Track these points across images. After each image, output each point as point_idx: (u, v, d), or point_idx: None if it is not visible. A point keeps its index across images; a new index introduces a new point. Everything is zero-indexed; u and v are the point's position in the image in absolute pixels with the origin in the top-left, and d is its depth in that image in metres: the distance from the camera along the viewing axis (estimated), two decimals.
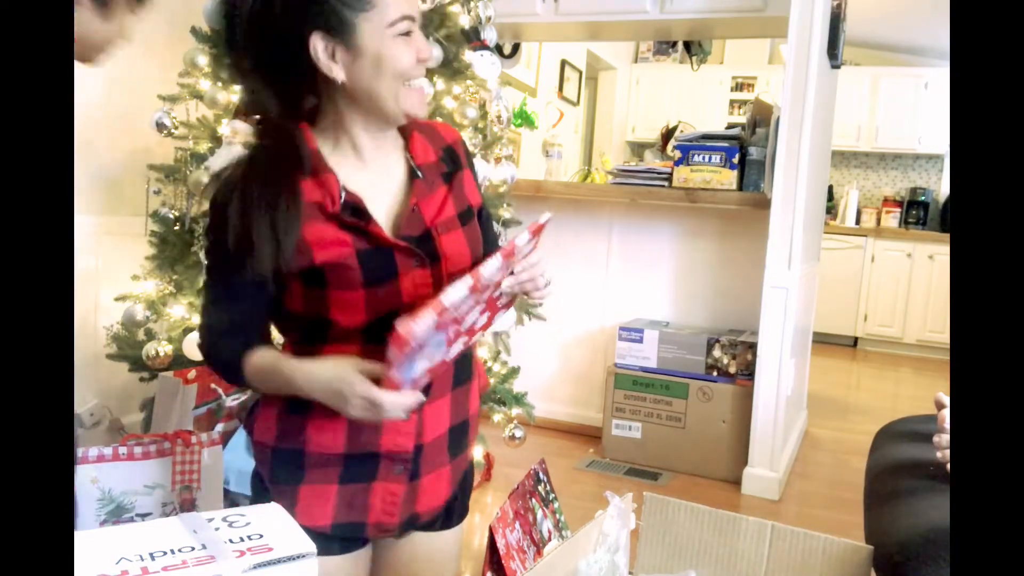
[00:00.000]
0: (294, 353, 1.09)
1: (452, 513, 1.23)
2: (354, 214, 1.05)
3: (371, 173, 1.10)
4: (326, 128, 1.10)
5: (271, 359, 1.07)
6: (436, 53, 2.07)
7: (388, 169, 1.13)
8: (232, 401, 2.10)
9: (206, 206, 2.10)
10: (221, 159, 1.98)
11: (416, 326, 0.93)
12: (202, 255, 2.06)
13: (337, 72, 1.03)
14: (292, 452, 1.10)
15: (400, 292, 1.06)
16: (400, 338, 0.93)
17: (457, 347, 1.06)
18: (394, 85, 1.04)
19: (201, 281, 2.10)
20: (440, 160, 1.16)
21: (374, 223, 1.06)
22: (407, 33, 1.04)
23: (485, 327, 1.10)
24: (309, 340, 1.09)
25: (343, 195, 1.05)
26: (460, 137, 1.22)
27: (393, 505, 1.12)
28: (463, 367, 1.18)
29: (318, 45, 1.01)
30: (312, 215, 1.04)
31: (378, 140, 1.11)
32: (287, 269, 1.04)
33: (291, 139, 1.06)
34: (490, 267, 0.97)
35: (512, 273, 1.05)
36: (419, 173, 1.12)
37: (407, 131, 1.15)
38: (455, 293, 0.95)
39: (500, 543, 1.35)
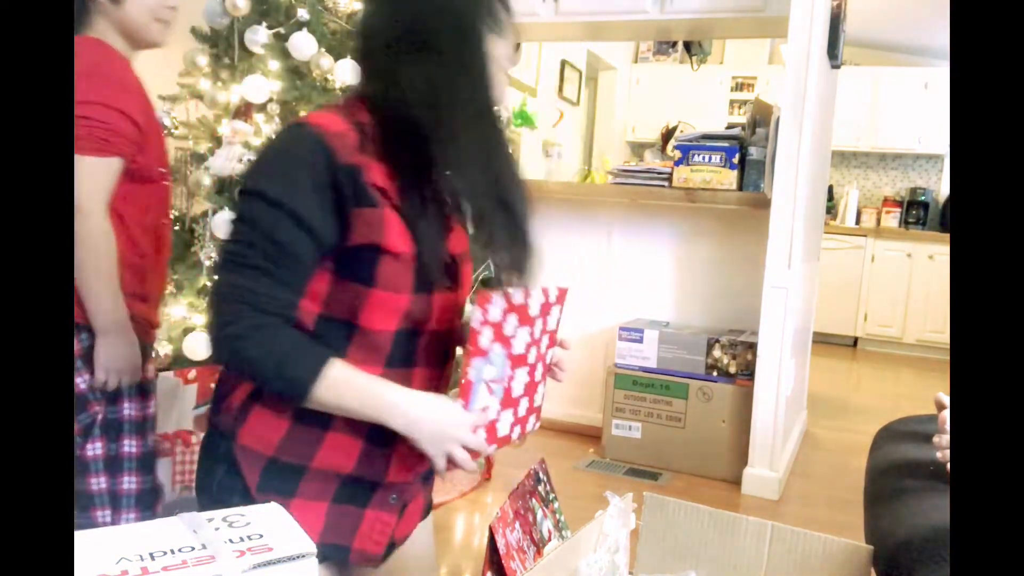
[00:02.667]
0: None
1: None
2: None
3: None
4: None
5: (358, 375, 0.97)
6: None
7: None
8: None
9: (206, 206, 2.11)
10: (221, 159, 1.98)
11: (495, 295, 0.94)
12: (202, 255, 2.06)
13: (458, 72, 1.01)
14: (292, 466, 1.03)
15: (431, 308, 1.03)
16: (484, 298, 0.91)
17: (517, 387, 1.06)
18: (498, 86, 1.06)
19: (202, 281, 2.10)
20: None
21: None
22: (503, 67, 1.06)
23: (534, 389, 1.13)
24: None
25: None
26: None
27: (382, 535, 1.10)
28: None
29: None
30: (383, 200, 0.99)
31: None
32: (342, 246, 0.97)
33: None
34: (535, 296, 1.02)
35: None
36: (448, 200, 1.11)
37: None
38: (514, 292, 0.98)
39: (500, 543, 1.35)
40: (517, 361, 1.04)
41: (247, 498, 1.03)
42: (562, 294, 1.10)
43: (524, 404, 1.11)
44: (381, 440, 1.03)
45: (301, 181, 0.95)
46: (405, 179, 1.01)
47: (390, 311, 1.00)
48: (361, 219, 0.97)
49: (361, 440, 1.02)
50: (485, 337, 0.96)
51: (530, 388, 1.10)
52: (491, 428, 1.04)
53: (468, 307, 1.01)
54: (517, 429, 1.11)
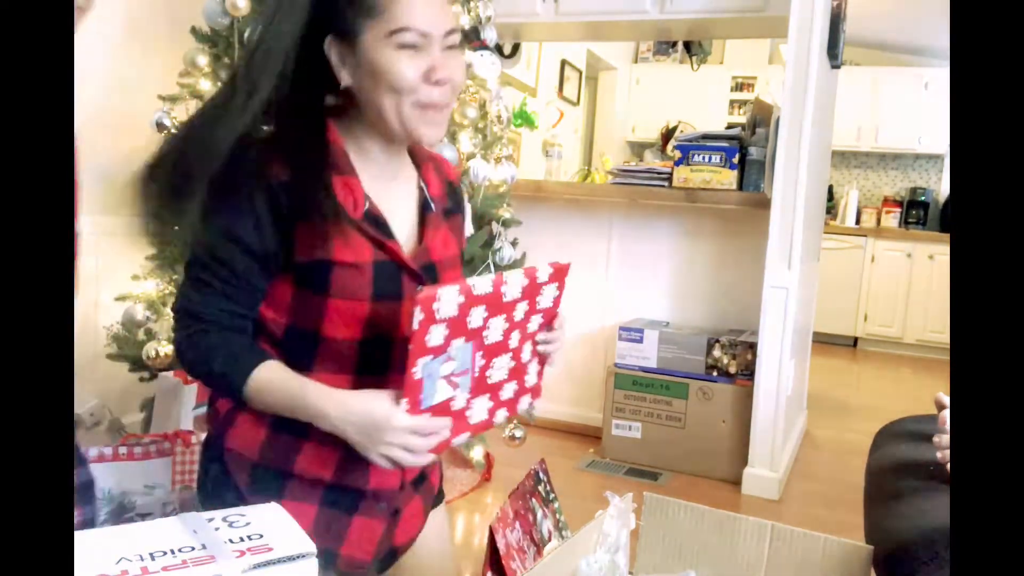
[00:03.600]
0: None
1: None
2: (374, 225, 1.02)
3: (388, 190, 1.07)
4: (345, 132, 1.05)
5: (288, 377, 0.98)
6: None
7: (402, 192, 1.10)
8: None
9: None
10: None
11: (443, 290, 0.89)
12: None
13: (344, 77, 1.01)
14: (276, 471, 1.04)
15: (399, 315, 1.02)
16: (427, 297, 0.87)
17: (496, 373, 1.04)
18: (394, 100, 0.98)
19: None
20: (445, 195, 1.16)
21: (394, 240, 1.03)
22: (413, 46, 0.97)
23: (523, 371, 1.10)
24: (293, 361, 1.01)
25: (367, 203, 1.02)
26: (459, 175, 1.22)
27: (370, 543, 1.09)
28: None
29: (331, 48, 1.00)
30: (330, 211, 0.99)
31: (392, 160, 1.08)
32: (291, 261, 0.99)
33: (317, 130, 1.02)
34: (513, 281, 0.98)
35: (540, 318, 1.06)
36: (432, 205, 1.11)
37: (420, 159, 1.14)
38: (479, 282, 0.94)
39: (500, 543, 1.35)
40: (493, 350, 1.02)
41: (240, 499, 1.03)
42: (558, 272, 1.05)
43: (510, 387, 1.08)
44: None
45: (238, 201, 0.99)
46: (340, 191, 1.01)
47: (350, 320, 1.00)
48: (307, 232, 0.98)
49: (339, 448, 1.01)
50: (436, 336, 0.93)
51: (517, 371, 1.08)
52: (460, 416, 1.02)
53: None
54: (502, 412, 1.09)
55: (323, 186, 0.99)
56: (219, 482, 1.07)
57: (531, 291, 1.03)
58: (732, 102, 6.58)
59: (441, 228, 1.12)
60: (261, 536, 0.67)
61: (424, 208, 1.11)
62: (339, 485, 1.06)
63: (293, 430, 1.02)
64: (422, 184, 1.12)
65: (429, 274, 1.07)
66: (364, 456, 0.98)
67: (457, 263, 1.15)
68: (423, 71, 0.98)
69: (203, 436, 1.74)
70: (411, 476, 1.14)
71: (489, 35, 2.30)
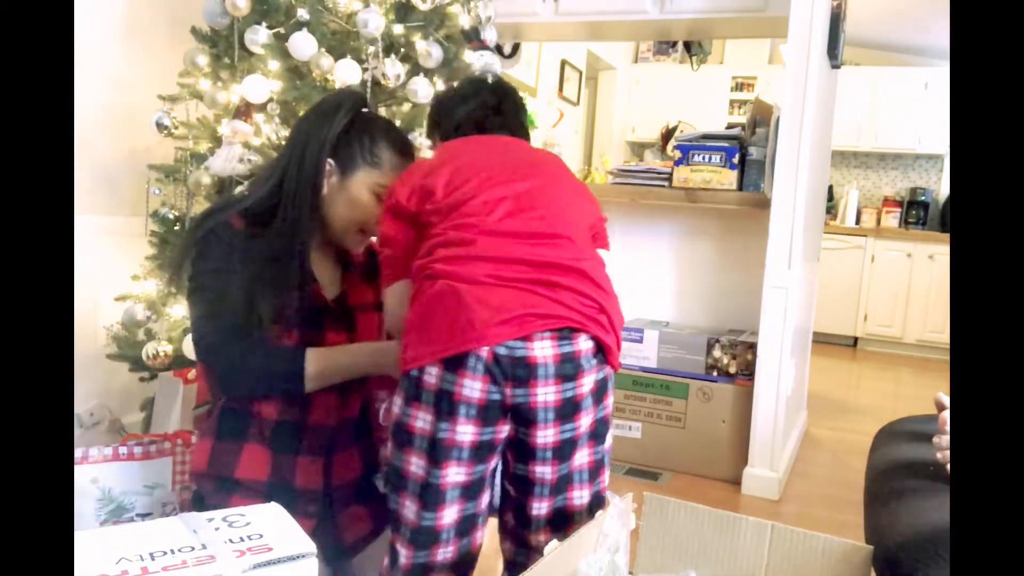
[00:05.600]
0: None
1: None
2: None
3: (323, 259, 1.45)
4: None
5: (327, 350, 1.33)
6: (436, 53, 2.07)
7: (330, 255, 1.47)
8: None
9: (206, 206, 2.10)
10: (221, 159, 1.98)
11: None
12: None
13: (325, 186, 1.36)
14: (223, 479, 1.32)
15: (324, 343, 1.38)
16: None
17: None
18: (348, 221, 1.38)
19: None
20: (367, 261, 1.50)
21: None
22: (379, 196, 1.36)
23: None
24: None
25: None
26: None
27: None
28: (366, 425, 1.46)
29: (331, 167, 1.37)
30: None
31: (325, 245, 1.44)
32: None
33: (301, 257, 1.36)
34: None
35: None
36: (351, 268, 1.49)
37: None
38: None
39: None
40: None
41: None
42: None
43: None
44: (287, 448, 1.34)
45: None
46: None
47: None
48: None
49: (268, 451, 1.33)
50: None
51: None
52: None
53: None
54: None
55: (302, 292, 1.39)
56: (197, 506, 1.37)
57: None
58: (732, 102, 6.58)
59: (360, 284, 1.49)
60: (261, 536, 0.67)
61: (347, 269, 1.48)
62: (276, 486, 1.31)
63: (231, 440, 1.34)
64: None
65: (348, 314, 1.44)
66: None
67: (370, 309, 1.48)
68: (374, 212, 1.37)
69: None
70: (337, 483, 1.39)
71: (489, 35, 2.30)
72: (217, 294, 1.29)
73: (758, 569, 1.03)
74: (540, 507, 1.17)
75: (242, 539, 0.66)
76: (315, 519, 1.35)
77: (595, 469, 1.20)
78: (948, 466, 1.19)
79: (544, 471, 1.14)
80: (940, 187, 6.45)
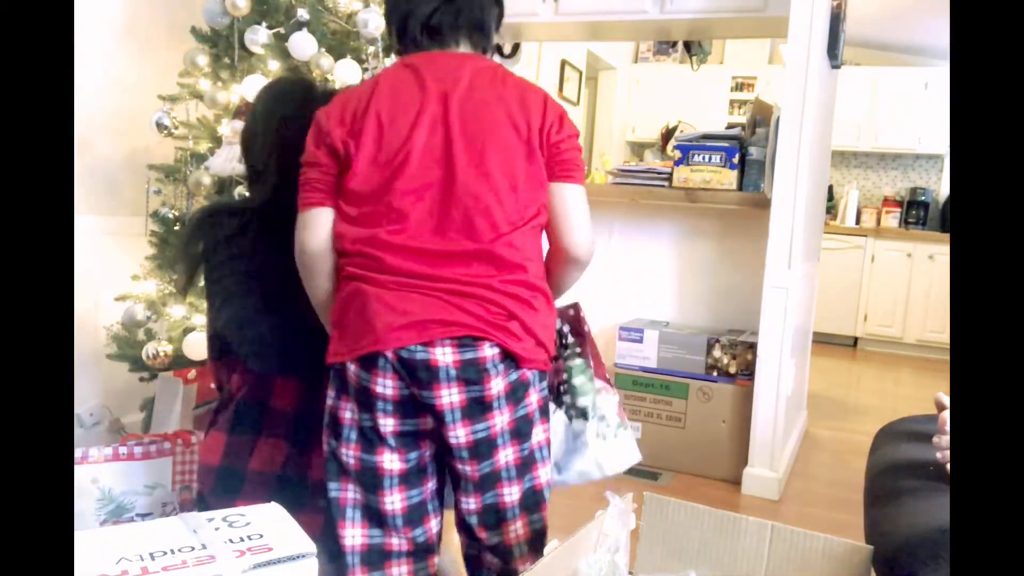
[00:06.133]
0: None
1: None
2: None
3: None
4: None
5: None
6: None
7: None
8: None
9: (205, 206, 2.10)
10: (221, 159, 1.98)
11: None
12: None
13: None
14: (234, 471, 1.29)
15: None
16: None
17: None
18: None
19: (202, 281, 2.09)
20: None
21: None
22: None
23: None
24: None
25: None
26: None
27: (313, 535, 1.20)
28: None
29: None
30: None
31: None
32: None
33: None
34: None
35: None
36: None
37: None
38: None
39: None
40: None
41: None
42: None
43: None
44: (305, 441, 1.30)
45: None
46: None
47: None
48: None
49: (284, 443, 1.31)
50: None
51: None
52: None
53: None
54: None
55: None
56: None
57: None
58: (732, 102, 6.57)
59: None
60: (261, 536, 0.67)
61: None
62: (287, 477, 1.30)
63: (245, 433, 1.33)
64: None
65: None
66: None
67: None
68: None
69: (203, 436, 1.74)
70: None
71: None
72: (240, 275, 1.29)
73: (758, 569, 1.03)
74: (468, 502, 1.22)
75: (242, 539, 0.66)
76: (324, 514, 1.34)
77: (523, 466, 1.23)
78: (948, 466, 1.19)
79: (465, 469, 1.19)
80: (940, 187, 6.45)
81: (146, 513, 1.70)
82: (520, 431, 1.22)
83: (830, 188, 6.17)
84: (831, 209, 6.30)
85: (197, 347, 1.99)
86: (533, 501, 1.25)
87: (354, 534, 1.20)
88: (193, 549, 0.64)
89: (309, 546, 0.66)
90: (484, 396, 1.15)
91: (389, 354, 1.12)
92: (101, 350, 2.32)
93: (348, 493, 1.20)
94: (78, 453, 1.62)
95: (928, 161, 6.48)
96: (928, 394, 1.22)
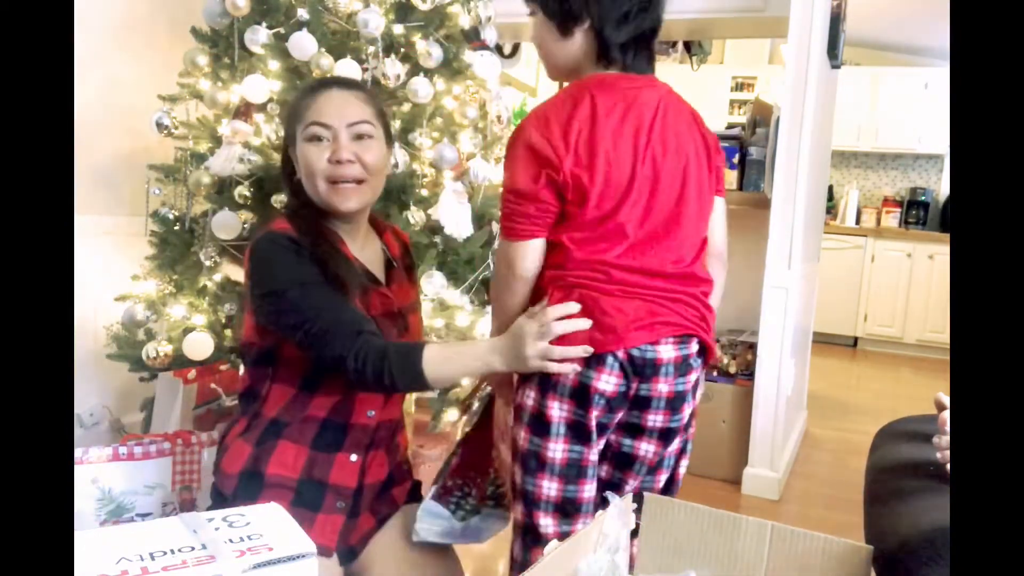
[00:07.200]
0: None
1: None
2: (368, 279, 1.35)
3: (363, 256, 1.37)
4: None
5: (440, 349, 1.24)
6: (436, 53, 2.07)
7: (372, 256, 1.39)
8: (231, 401, 2.10)
9: (206, 206, 2.11)
10: (221, 159, 1.98)
11: None
12: (202, 255, 2.06)
13: (298, 170, 1.31)
14: (252, 474, 1.29)
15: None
16: None
17: None
18: (312, 182, 1.28)
19: (201, 281, 2.09)
20: (402, 254, 1.47)
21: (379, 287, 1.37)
22: (318, 139, 1.27)
23: None
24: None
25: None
26: (409, 239, 1.55)
27: (333, 533, 1.31)
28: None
29: (292, 154, 1.33)
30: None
31: (353, 230, 1.35)
32: None
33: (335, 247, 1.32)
34: None
35: None
36: (395, 263, 1.42)
37: (380, 228, 1.45)
38: None
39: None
40: None
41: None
42: None
43: None
44: (330, 446, 1.30)
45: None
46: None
47: None
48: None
49: (305, 447, 1.29)
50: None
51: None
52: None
53: None
54: None
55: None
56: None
57: None
58: (732, 102, 6.58)
59: (403, 280, 1.44)
60: (261, 536, 0.67)
61: (389, 266, 1.42)
62: (307, 481, 1.29)
63: (267, 440, 1.29)
64: (383, 247, 1.43)
65: (398, 315, 1.37)
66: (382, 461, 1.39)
67: (417, 307, 1.47)
68: (327, 157, 1.27)
69: (203, 436, 1.74)
70: (371, 481, 1.37)
71: (489, 35, 2.30)
72: (303, 291, 1.23)
73: (758, 569, 1.03)
74: (632, 485, 1.35)
75: (242, 539, 0.66)
76: (343, 515, 1.33)
77: (680, 454, 1.43)
78: (948, 466, 1.20)
79: (648, 449, 1.33)
80: (940, 187, 6.45)
81: (146, 513, 1.69)
82: (689, 424, 1.40)
83: (830, 188, 6.17)
84: (831, 209, 6.30)
85: (197, 347, 1.99)
86: (674, 489, 1.44)
87: (547, 523, 1.28)
88: (193, 549, 0.64)
89: (309, 546, 0.66)
90: (684, 389, 1.30)
91: (620, 353, 1.23)
92: (101, 350, 2.32)
93: (545, 487, 1.27)
94: (78, 453, 1.62)
95: (928, 161, 6.48)
96: (928, 394, 1.22)
